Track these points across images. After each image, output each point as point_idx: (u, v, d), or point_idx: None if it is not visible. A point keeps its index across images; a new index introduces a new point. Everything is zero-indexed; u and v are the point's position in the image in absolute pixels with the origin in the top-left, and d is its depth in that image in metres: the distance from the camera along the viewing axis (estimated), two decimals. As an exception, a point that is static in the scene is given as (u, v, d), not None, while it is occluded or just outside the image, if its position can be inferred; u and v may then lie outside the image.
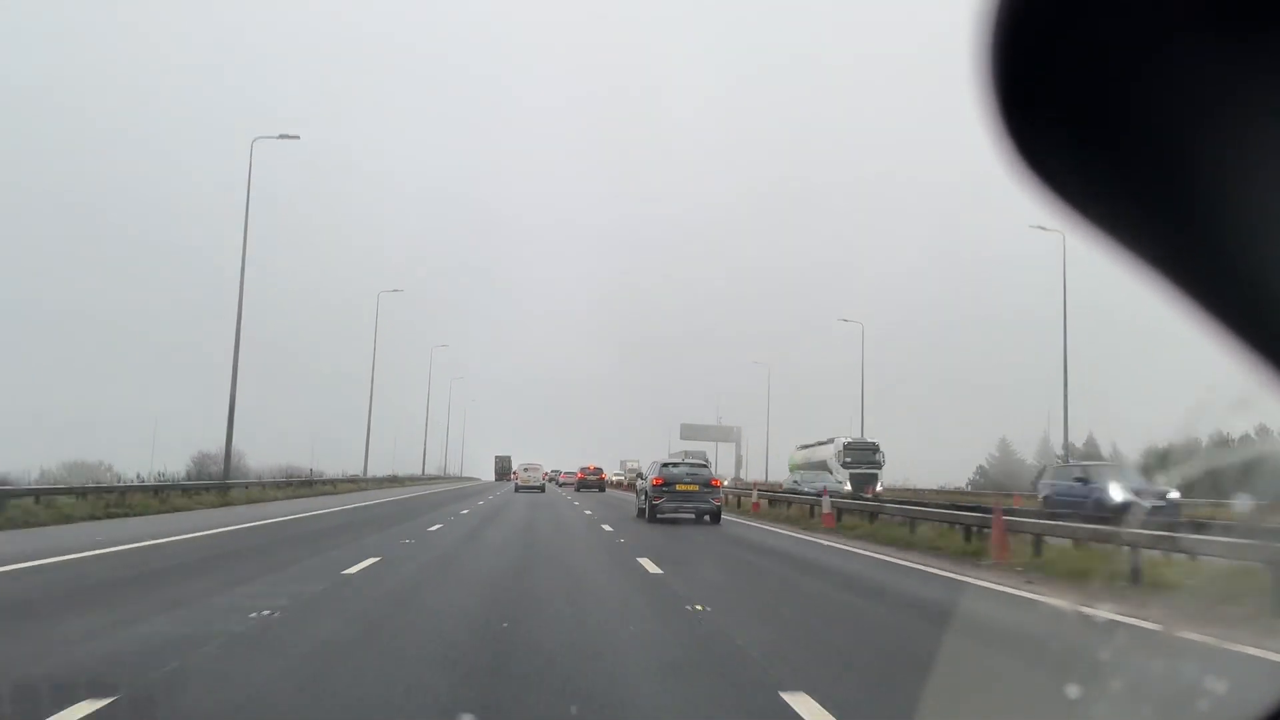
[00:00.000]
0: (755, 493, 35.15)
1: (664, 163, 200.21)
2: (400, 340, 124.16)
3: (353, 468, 62.05)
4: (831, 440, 53.05)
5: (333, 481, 51.23)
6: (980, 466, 70.55)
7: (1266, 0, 0.68)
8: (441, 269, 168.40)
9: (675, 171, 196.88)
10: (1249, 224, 0.76)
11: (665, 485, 25.19)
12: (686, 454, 71.43)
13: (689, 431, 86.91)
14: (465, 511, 29.85)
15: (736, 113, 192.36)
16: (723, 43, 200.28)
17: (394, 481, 67.75)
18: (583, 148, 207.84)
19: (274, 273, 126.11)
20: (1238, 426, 21.35)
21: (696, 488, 25.25)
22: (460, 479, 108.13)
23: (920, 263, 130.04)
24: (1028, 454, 74.84)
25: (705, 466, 28.03)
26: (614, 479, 76.00)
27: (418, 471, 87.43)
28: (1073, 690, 3.30)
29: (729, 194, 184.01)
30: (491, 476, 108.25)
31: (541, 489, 59.04)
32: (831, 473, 48.20)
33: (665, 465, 26.73)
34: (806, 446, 58.26)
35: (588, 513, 30.42)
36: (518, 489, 58.77)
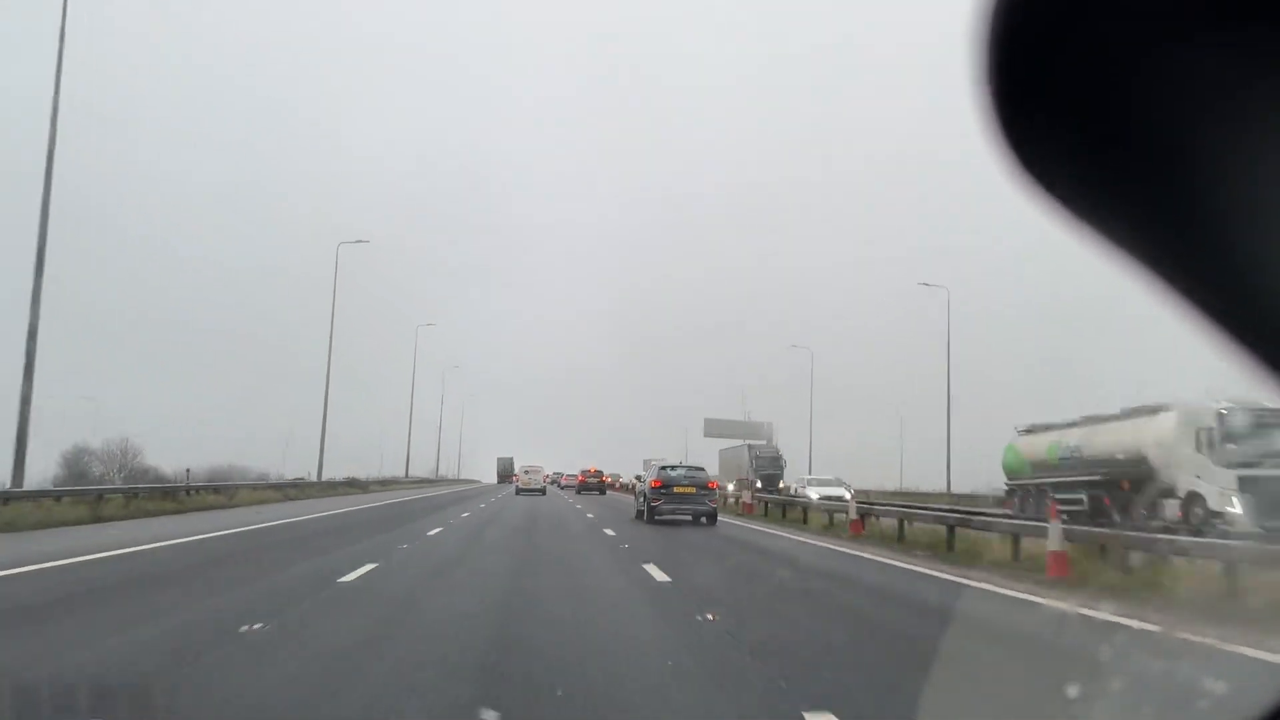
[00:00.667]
0: (1056, 530, 13.16)
1: (670, 158, 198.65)
2: (401, 341, 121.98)
3: (335, 470, 53.20)
4: (1153, 410, 24.11)
5: (229, 491, 33.61)
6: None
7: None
8: (447, 270, 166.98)
9: (684, 167, 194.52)
10: (1249, 224, 0.76)
11: (663, 488, 25.77)
12: (751, 446, 60.30)
13: (713, 428, 78.08)
14: (369, 568, 12.14)
15: (734, 112, 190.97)
16: (737, 32, 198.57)
17: (353, 487, 51.99)
18: (590, 144, 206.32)
19: (266, 270, 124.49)
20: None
21: (694, 490, 25.82)
22: (456, 482, 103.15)
23: (939, 256, 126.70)
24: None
25: (703, 470, 28.24)
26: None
27: (402, 473, 78.66)
28: (1073, 690, 3.29)
29: (740, 186, 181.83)
30: (494, 479, 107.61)
31: (543, 491, 59.42)
32: (1159, 471, 22.86)
33: (664, 468, 27.24)
34: (1062, 426, 28.74)
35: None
36: (518, 491, 59.44)
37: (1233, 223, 0.77)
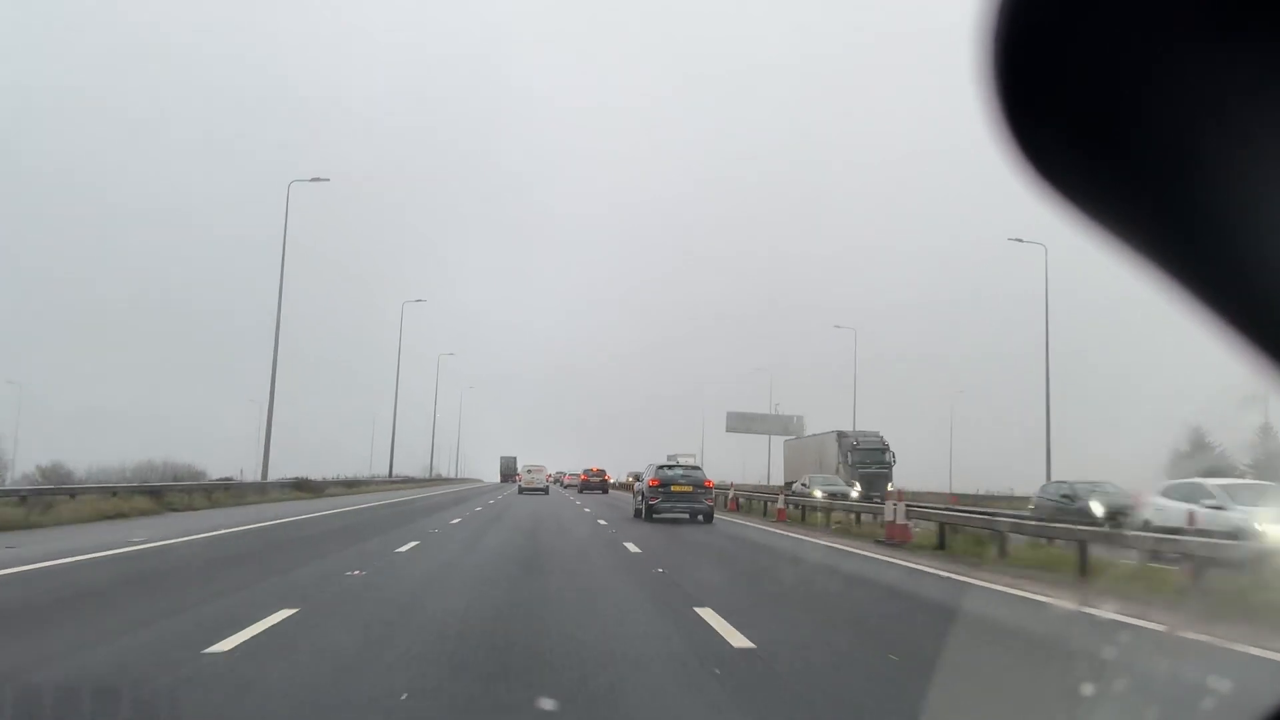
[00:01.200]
0: None
1: (681, 151, 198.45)
2: (405, 332, 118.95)
3: (315, 470, 47.66)
4: None
5: (41, 500, 22.63)
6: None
7: (1270, 1, 0.68)
8: (457, 265, 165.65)
9: (697, 159, 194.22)
10: (1255, 223, 0.76)
11: (661, 487, 26.52)
12: (844, 435, 44.30)
13: (737, 422, 72.33)
14: None
15: (750, 101, 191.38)
16: (745, 23, 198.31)
17: (303, 490, 39.90)
18: (598, 134, 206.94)
19: (244, 244, 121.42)
20: (1247, 422, 20.80)
21: (691, 489, 26.61)
22: (452, 481, 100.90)
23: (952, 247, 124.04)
24: (1233, 446, 43.07)
25: (699, 469, 28.67)
26: None
27: (398, 471, 72.12)
28: (1077, 689, 3.28)
29: (754, 179, 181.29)
30: (496, 478, 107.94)
31: (545, 490, 60.63)
32: None
33: (661, 468, 27.89)
34: None
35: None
36: (521, 490, 60.66)
37: (1240, 221, 0.77)
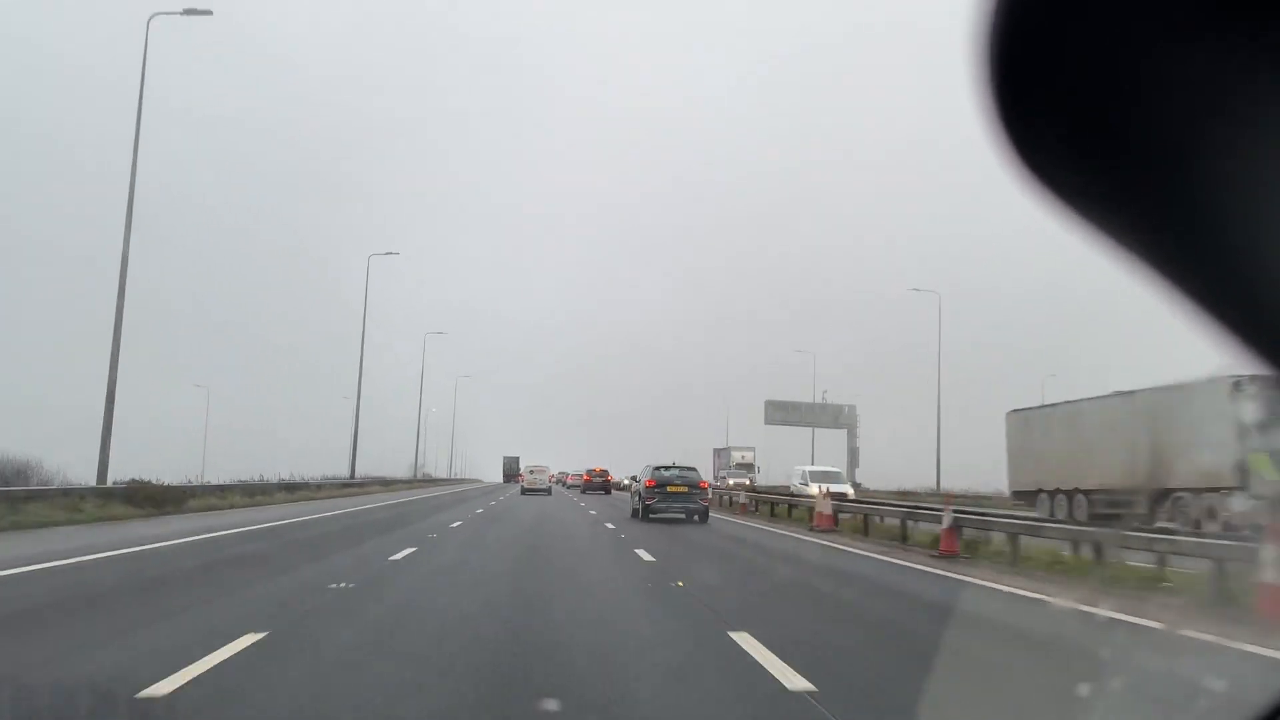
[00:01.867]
0: None
1: (688, 143, 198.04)
2: (409, 345, 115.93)
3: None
4: None
5: None
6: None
7: None
8: (459, 262, 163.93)
9: (707, 146, 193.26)
10: (1250, 223, 0.75)
11: (657, 487, 27.14)
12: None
13: (777, 413, 64.47)
14: None
15: (750, 99, 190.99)
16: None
17: (140, 505, 23.51)
18: (602, 134, 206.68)
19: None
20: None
21: (686, 489, 27.22)
22: (443, 482, 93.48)
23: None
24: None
25: (695, 470, 29.04)
26: (721, 483, 51.45)
27: (374, 472, 65.12)
28: (1075, 688, 3.29)
29: (766, 174, 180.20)
30: (499, 478, 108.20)
31: (548, 491, 60.06)
32: None
33: (657, 469, 28.25)
34: None
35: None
36: (523, 491, 60.18)
37: (1234, 221, 0.76)
